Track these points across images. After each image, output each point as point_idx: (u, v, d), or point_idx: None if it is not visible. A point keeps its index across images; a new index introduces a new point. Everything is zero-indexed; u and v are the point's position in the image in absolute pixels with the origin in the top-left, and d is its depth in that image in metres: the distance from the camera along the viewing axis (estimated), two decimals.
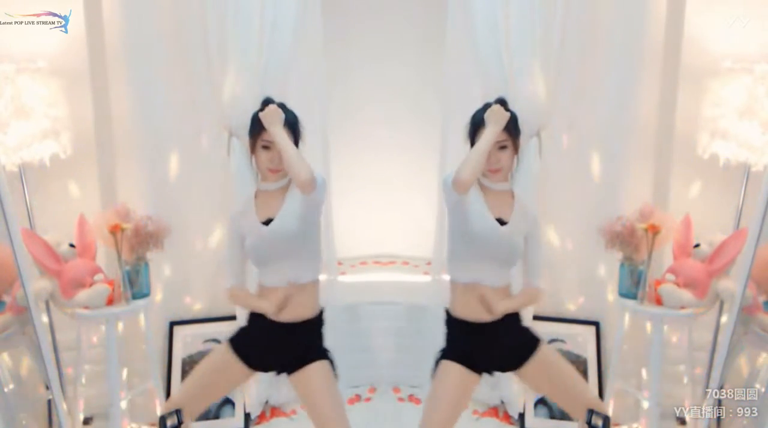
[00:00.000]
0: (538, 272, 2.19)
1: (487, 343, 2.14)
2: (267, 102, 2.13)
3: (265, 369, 2.21)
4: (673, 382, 2.84)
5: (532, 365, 2.15)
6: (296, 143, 2.12)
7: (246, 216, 2.13)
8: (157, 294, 2.96)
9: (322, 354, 2.18)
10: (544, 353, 2.17)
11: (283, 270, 2.10)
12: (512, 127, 2.10)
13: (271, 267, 2.11)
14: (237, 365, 2.14)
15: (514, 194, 2.18)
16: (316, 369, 2.12)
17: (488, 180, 2.13)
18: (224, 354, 2.16)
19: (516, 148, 2.13)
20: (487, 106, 2.12)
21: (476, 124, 2.13)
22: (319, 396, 2.10)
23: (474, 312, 2.12)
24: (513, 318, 2.16)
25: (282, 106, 2.13)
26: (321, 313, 2.21)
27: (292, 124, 2.13)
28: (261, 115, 2.07)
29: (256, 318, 2.15)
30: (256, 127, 2.10)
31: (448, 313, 2.22)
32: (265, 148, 2.09)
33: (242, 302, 2.22)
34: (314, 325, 2.19)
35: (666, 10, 2.82)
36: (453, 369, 2.14)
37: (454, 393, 2.13)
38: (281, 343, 2.13)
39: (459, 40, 2.90)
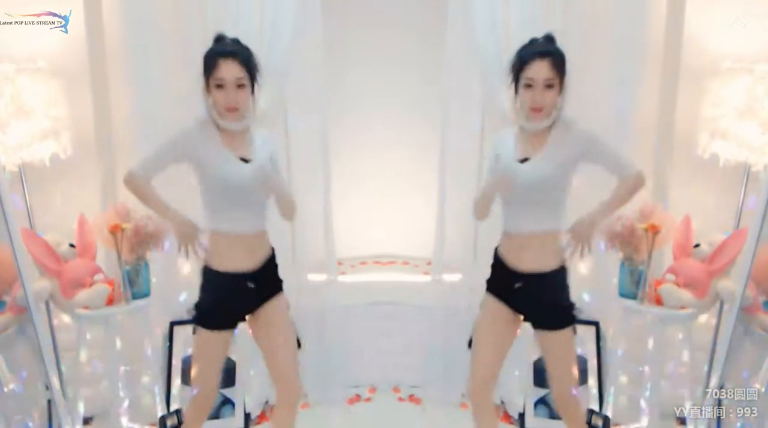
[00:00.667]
0: (623, 163, 2.13)
1: (524, 292, 2.13)
2: (219, 38, 2.09)
3: (235, 323, 2.22)
4: (673, 382, 2.84)
5: (555, 337, 2.15)
6: (253, 82, 2.07)
7: (208, 145, 2.06)
8: (158, 294, 2.95)
9: (277, 289, 2.21)
10: (567, 334, 2.15)
11: (248, 217, 2.10)
12: (559, 65, 2.02)
13: (238, 211, 2.09)
14: (214, 337, 2.15)
15: (553, 128, 2.06)
16: (277, 302, 2.19)
17: (529, 122, 2.04)
18: (214, 337, 2.15)
19: (561, 87, 2.04)
20: (534, 41, 2.05)
21: (522, 62, 2.03)
22: (274, 330, 2.19)
23: (514, 260, 2.12)
24: (558, 279, 2.13)
25: (236, 41, 2.09)
26: (273, 252, 2.22)
27: (247, 61, 2.06)
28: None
29: (217, 276, 2.12)
30: (210, 65, 2.03)
31: (495, 251, 2.21)
32: (219, 86, 2.02)
33: (143, 195, 2.14)
34: (266, 269, 2.18)
35: (666, 10, 2.83)
36: (491, 302, 2.19)
37: (492, 323, 2.19)
38: (239, 294, 2.14)
39: (459, 40, 2.90)
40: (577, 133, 2.07)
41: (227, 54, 2.02)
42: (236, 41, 2.10)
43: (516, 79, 2.05)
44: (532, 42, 2.06)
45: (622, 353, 2.86)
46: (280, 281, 2.23)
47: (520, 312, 2.19)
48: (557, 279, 2.13)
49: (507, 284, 2.15)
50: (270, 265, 2.19)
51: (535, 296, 2.12)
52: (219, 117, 2.06)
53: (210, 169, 2.05)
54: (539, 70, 1.98)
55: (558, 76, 2.01)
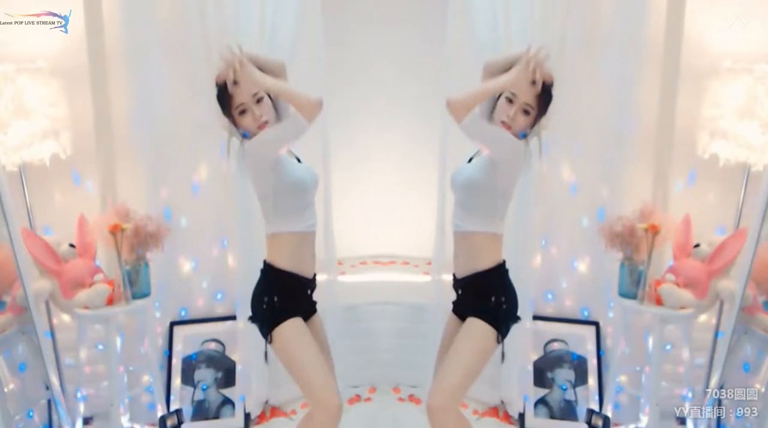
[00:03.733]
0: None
1: (461, 296, 2.18)
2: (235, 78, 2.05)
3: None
4: (673, 382, 2.84)
5: (466, 324, 2.09)
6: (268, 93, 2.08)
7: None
8: (158, 294, 2.96)
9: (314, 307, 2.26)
10: (474, 323, 2.06)
11: (311, 215, 2.12)
12: (543, 102, 2.05)
13: (304, 209, 2.10)
14: (300, 324, 2.09)
15: None
16: (319, 318, 2.24)
17: None
18: (299, 325, 2.08)
19: (534, 122, 2.07)
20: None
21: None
22: (321, 341, 2.21)
23: (455, 265, 2.15)
24: (488, 279, 2.09)
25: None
26: None
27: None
28: (229, 74, 2.00)
29: (286, 277, 2.09)
30: (225, 100, 2.06)
31: None
32: (243, 112, 2.04)
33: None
34: (315, 280, 2.21)
35: (666, 10, 2.83)
36: (449, 318, 2.24)
37: (444, 335, 2.25)
38: (309, 294, 2.19)
39: (459, 39, 2.90)
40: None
41: (235, 80, 2.02)
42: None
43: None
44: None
45: (622, 353, 2.86)
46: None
47: (461, 317, 2.15)
48: (491, 279, 2.09)
49: (455, 293, 2.19)
50: (315, 278, 2.20)
51: (468, 297, 2.13)
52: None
53: (285, 172, 2.05)
54: (526, 91, 2.01)
55: (536, 110, 2.04)
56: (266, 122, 2.04)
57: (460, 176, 2.12)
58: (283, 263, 2.09)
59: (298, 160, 2.17)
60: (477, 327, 2.05)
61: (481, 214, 2.07)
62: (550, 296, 3.15)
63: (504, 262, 2.12)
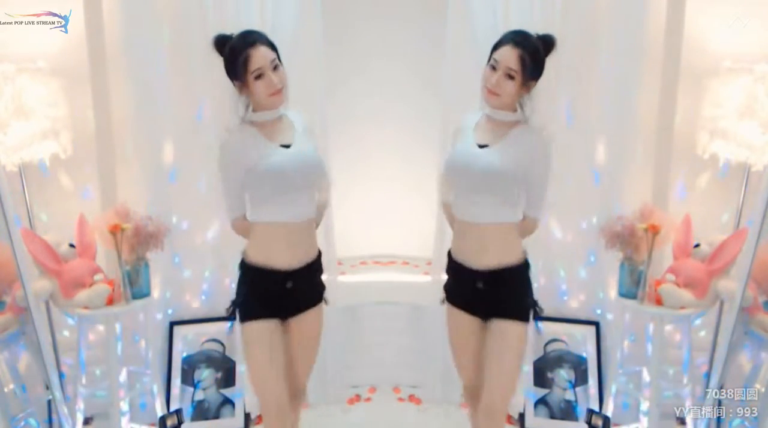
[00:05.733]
0: (539, 203, 2.03)
1: (484, 290, 2.04)
2: (225, 37, 2.00)
3: (285, 316, 2.11)
4: (673, 382, 2.84)
5: (507, 327, 2.02)
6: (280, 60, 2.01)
7: (249, 144, 1.98)
8: (158, 294, 2.96)
9: (321, 296, 2.19)
10: (520, 330, 2.03)
11: (293, 204, 2.02)
12: (528, 62, 1.93)
13: (282, 198, 2.00)
14: (276, 325, 2.07)
15: (519, 124, 2.02)
16: (314, 314, 2.16)
17: (489, 104, 2.01)
18: (257, 330, 2.04)
19: (525, 85, 1.97)
20: (521, 32, 1.98)
21: (497, 43, 2.00)
22: (311, 340, 2.18)
23: (467, 255, 2.06)
24: (521, 273, 2.05)
25: (269, 41, 2.00)
26: (320, 254, 2.17)
27: (270, 42, 2.00)
28: None
29: (255, 272, 2.04)
30: (240, 61, 1.92)
31: (449, 254, 2.16)
32: (259, 76, 1.94)
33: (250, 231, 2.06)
34: (317, 268, 2.16)
35: (666, 10, 2.83)
36: (453, 314, 2.16)
37: (458, 335, 2.16)
38: (289, 290, 2.06)
39: (459, 40, 2.90)
40: (539, 139, 2.02)
41: (253, 42, 1.95)
42: (247, 32, 2.02)
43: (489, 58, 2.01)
44: (520, 31, 2.00)
45: (622, 353, 2.86)
46: (321, 288, 2.19)
47: (483, 315, 2.08)
48: (521, 274, 2.06)
49: (468, 287, 2.07)
50: (312, 268, 2.12)
51: (498, 294, 2.03)
52: (259, 108, 2.01)
53: (254, 164, 1.96)
54: (506, 55, 1.94)
55: (521, 71, 1.93)
56: (280, 90, 1.98)
57: (484, 161, 1.97)
58: (252, 256, 2.04)
59: (287, 147, 2.02)
60: (518, 332, 2.02)
61: (508, 203, 2.01)
62: (550, 296, 3.15)
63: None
